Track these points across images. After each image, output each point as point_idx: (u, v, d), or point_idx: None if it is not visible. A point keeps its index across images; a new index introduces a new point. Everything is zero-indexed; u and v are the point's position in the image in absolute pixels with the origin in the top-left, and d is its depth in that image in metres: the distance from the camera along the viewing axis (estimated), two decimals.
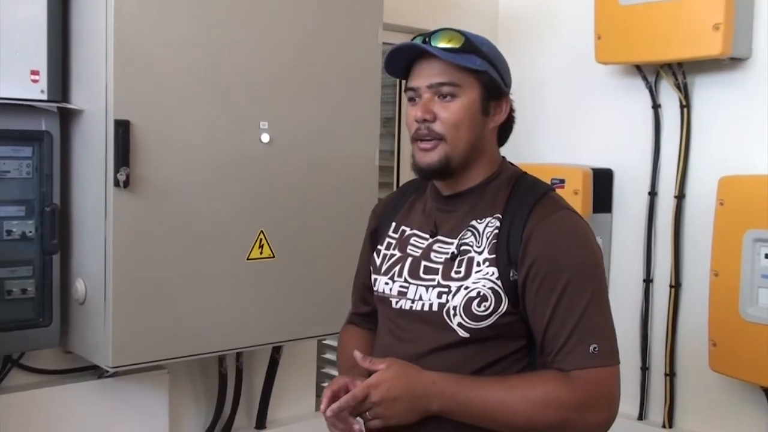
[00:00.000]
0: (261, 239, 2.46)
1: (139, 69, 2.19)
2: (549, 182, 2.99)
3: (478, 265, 1.58)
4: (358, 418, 1.58)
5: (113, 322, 2.20)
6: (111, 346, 2.21)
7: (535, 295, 1.55)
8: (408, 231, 1.74)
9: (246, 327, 2.48)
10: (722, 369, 2.76)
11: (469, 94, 1.61)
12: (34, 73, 2.22)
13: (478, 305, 1.56)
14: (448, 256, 1.63)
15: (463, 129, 1.61)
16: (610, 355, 1.54)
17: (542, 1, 3.50)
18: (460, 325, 1.58)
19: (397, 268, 1.71)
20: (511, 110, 1.70)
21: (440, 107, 1.61)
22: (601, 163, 3.25)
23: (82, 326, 2.33)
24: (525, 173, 1.71)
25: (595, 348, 1.52)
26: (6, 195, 2.24)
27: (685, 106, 2.98)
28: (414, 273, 1.67)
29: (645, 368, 3.12)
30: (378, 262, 1.76)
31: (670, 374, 3.04)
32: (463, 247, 1.62)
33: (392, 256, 1.74)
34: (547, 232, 1.56)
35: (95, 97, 2.21)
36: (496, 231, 1.59)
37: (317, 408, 1.60)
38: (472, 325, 1.57)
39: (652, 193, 3.11)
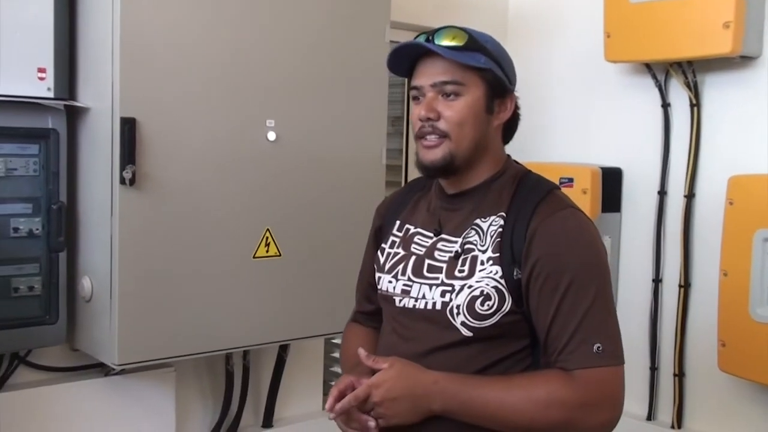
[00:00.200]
0: (267, 237, 2.46)
1: (145, 67, 2.19)
2: (557, 181, 2.99)
3: (482, 263, 1.57)
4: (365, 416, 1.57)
5: (119, 319, 2.21)
6: (117, 343, 2.21)
7: (538, 294, 1.54)
8: (412, 229, 1.74)
9: (253, 325, 2.47)
10: (731, 369, 2.75)
11: (473, 93, 1.60)
12: (41, 70, 2.22)
13: (482, 304, 1.55)
14: (452, 254, 1.62)
15: (468, 127, 1.60)
16: (614, 355, 1.52)
17: None
18: (463, 324, 1.57)
19: (400, 267, 1.70)
20: (516, 108, 1.68)
21: (444, 106, 1.60)
22: (611, 162, 3.23)
23: (89, 324, 2.34)
24: (530, 171, 1.70)
25: (599, 347, 1.50)
26: (13, 192, 2.24)
27: (695, 104, 2.96)
28: (418, 271, 1.66)
29: (654, 368, 3.11)
30: (382, 260, 1.76)
31: (679, 374, 3.02)
32: (467, 246, 1.61)
33: (396, 254, 1.73)
34: (550, 231, 1.54)
35: (102, 94, 2.21)
36: (500, 229, 1.58)
37: (324, 407, 1.61)
38: (476, 324, 1.56)
39: (662, 193, 3.10)
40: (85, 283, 2.31)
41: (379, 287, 1.76)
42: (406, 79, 1.71)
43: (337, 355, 3.45)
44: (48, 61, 2.23)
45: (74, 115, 2.34)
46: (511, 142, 1.75)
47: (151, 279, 2.25)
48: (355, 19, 2.63)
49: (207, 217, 2.34)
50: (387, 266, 1.73)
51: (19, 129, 2.23)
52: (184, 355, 2.38)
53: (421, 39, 1.62)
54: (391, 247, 1.75)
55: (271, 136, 2.43)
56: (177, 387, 2.69)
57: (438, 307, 1.60)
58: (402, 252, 1.72)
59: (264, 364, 2.94)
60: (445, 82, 1.59)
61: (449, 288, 1.60)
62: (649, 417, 3.12)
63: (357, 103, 2.65)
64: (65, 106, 2.28)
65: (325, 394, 3.14)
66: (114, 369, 2.36)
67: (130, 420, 2.59)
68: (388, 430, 1.57)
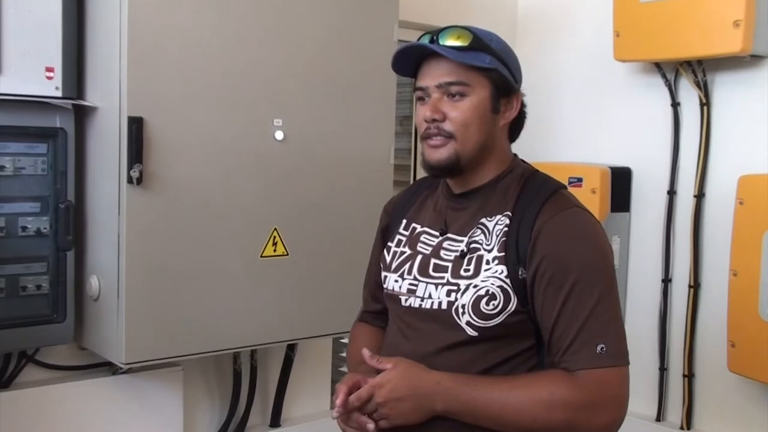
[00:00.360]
0: (275, 237, 2.46)
1: (152, 66, 2.19)
2: (566, 181, 2.99)
3: (488, 263, 1.57)
4: (366, 417, 1.57)
5: (126, 318, 2.21)
6: (124, 342, 2.22)
7: (542, 294, 1.53)
8: (418, 228, 1.73)
9: (260, 324, 2.47)
10: (741, 370, 2.73)
11: (478, 93, 1.59)
12: (49, 70, 2.23)
13: (487, 303, 1.55)
14: (458, 254, 1.62)
15: (473, 128, 1.60)
16: (618, 356, 1.51)
17: None
18: (468, 323, 1.56)
19: (407, 266, 1.70)
20: (523, 106, 1.68)
21: (449, 107, 1.59)
22: (620, 162, 3.22)
23: (96, 322, 2.34)
24: (536, 170, 1.69)
25: (602, 348, 1.49)
26: (21, 191, 2.25)
27: (705, 104, 2.95)
28: (424, 271, 1.66)
29: (663, 369, 3.09)
30: (388, 259, 1.75)
31: (689, 375, 3.01)
32: (472, 245, 1.60)
33: (402, 253, 1.73)
34: (555, 230, 1.53)
35: (109, 94, 2.22)
36: (506, 229, 1.57)
37: (332, 406, 1.60)
38: (481, 323, 1.55)
39: (671, 192, 3.08)
40: (93, 282, 2.32)
41: (384, 286, 1.75)
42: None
43: (345, 354, 3.45)
44: (56, 60, 2.23)
45: (82, 115, 2.34)
46: (520, 142, 1.74)
47: (159, 278, 2.25)
48: (363, 18, 2.62)
49: (214, 216, 2.34)
50: (393, 265, 1.73)
51: (27, 128, 2.23)
52: (192, 354, 2.38)
53: (426, 39, 1.61)
54: (398, 245, 1.75)
55: (279, 135, 2.43)
56: (184, 386, 2.70)
57: (444, 306, 1.60)
58: (408, 251, 1.72)
59: (272, 363, 2.94)
60: (450, 83, 1.58)
61: (455, 287, 1.59)
62: (658, 418, 3.10)
63: (365, 102, 2.64)
64: (73, 105, 2.28)
65: (333, 393, 3.13)
66: (121, 368, 2.37)
67: (138, 419, 2.60)
68: (392, 431, 1.56)
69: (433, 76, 1.60)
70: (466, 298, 1.57)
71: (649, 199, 3.17)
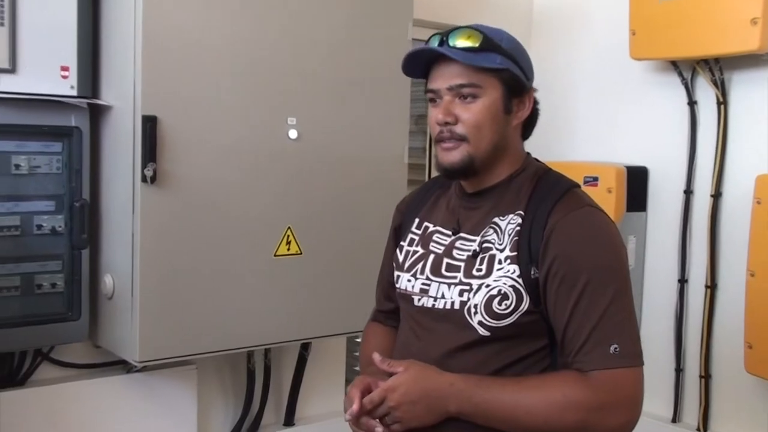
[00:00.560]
0: (288, 236, 2.46)
1: (166, 65, 2.20)
2: (582, 180, 2.97)
3: (500, 262, 1.56)
4: (377, 421, 1.56)
5: (140, 317, 2.22)
6: (138, 340, 2.22)
7: (555, 294, 1.52)
8: (431, 227, 1.73)
9: (274, 323, 2.47)
10: (759, 371, 2.70)
11: (490, 94, 1.58)
12: (64, 69, 2.23)
13: (499, 303, 1.54)
14: (470, 253, 1.61)
15: (486, 129, 1.59)
16: (631, 356, 1.50)
17: None
18: (480, 323, 1.55)
19: (419, 265, 1.69)
20: (535, 103, 1.66)
21: (461, 109, 1.58)
22: (636, 161, 3.20)
23: (110, 321, 2.35)
24: (550, 169, 1.68)
25: (616, 348, 1.48)
26: (36, 190, 2.26)
27: (722, 102, 2.92)
28: (436, 270, 1.65)
29: (679, 370, 3.07)
30: (401, 258, 1.75)
31: (705, 376, 2.98)
32: (485, 245, 1.59)
33: (415, 252, 1.72)
34: (568, 230, 1.52)
35: (124, 93, 2.23)
36: (518, 228, 1.56)
37: (345, 408, 1.61)
38: (493, 323, 1.54)
39: (688, 192, 3.06)
40: (107, 281, 2.33)
41: (397, 285, 1.75)
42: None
43: (358, 353, 3.45)
44: (71, 59, 2.24)
45: (97, 113, 2.35)
46: (535, 141, 1.73)
47: (173, 276, 2.26)
48: (378, 16, 2.62)
49: (228, 215, 2.34)
50: (406, 264, 1.72)
51: (42, 127, 2.24)
52: (206, 353, 2.38)
53: (435, 41, 1.60)
54: (410, 245, 1.74)
55: (293, 134, 2.43)
56: (198, 385, 2.70)
57: (456, 306, 1.59)
58: (421, 250, 1.71)
59: (285, 362, 2.94)
60: (462, 85, 1.57)
61: (467, 287, 1.58)
62: (674, 419, 3.08)
63: (379, 101, 2.64)
64: (88, 104, 2.29)
65: (347, 393, 3.13)
66: (136, 366, 2.38)
67: (152, 417, 2.60)
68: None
69: (444, 78, 1.59)
70: (479, 298, 1.56)
71: (665, 198, 3.14)
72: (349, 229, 2.58)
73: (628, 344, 1.50)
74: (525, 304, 1.54)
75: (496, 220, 1.61)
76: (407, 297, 1.70)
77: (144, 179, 2.17)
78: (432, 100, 1.63)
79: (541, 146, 1.75)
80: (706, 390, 2.99)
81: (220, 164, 2.31)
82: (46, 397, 2.42)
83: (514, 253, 1.55)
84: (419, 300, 1.67)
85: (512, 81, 1.60)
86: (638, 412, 1.51)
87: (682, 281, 3.07)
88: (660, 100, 3.15)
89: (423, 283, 1.66)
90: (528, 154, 1.71)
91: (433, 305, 1.63)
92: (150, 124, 2.16)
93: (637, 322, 1.54)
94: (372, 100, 2.62)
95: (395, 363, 1.58)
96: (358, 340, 3.20)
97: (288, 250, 2.47)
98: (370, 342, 1.87)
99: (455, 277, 1.61)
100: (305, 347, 2.89)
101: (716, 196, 2.96)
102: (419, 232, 1.75)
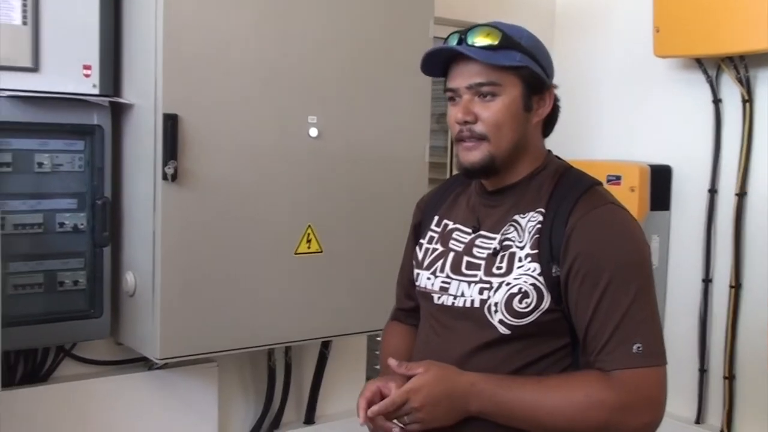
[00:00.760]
0: (309, 234, 2.46)
1: (187, 64, 2.21)
2: (605, 179, 2.95)
3: (520, 260, 1.54)
4: (395, 422, 1.55)
5: (161, 314, 2.23)
6: (159, 338, 2.23)
7: (577, 292, 1.50)
8: (451, 225, 1.71)
9: (294, 321, 2.48)
10: None
11: (510, 92, 1.57)
12: (87, 67, 2.25)
13: (520, 302, 1.52)
14: (491, 251, 1.59)
15: (506, 128, 1.57)
16: (655, 356, 1.47)
17: None
18: (501, 322, 1.54)
19: (439, 263, 1.68)
20: (556, 100, 1.64)
21: (481, 107, 1.57)
22: (660, 160, 3.18)
23: (132, 318, 2.36)
24: (571, 167, 1.66)
25: (639, 348, 1.46)
26: (59, 188, 2.28)
27: (747, 100, 2.89)
28: (456, 268, 1.64)
29: (703, 370, 3.04)
30: (420, 256, 1.74)
31: (730, 377, 2.95)
32: (505, 243, 1.58)
33: (435, 250, 1.71)
34: (590, 227, 1.50)
35: (145, 91, 2.24)
36: (539, 225, 1.55)
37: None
38: (514, 322, 1.53)
39: (712, 191, 3.03)
40: (129, 278, 2.34)
41: (417, 283, 1.74)
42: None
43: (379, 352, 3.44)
44: (93, 58, 2.26)
45: (118, 112, 2.36)
46: (558, 139, 1.71)
47: (194, 274, 2.27)
48: (399, 14, 2.61)
49: (248, 213, 2.34)
50: (425, 262, 1.71)
51: (65, 125, 2.26)
52: (227, 351, 2.39)
53: (454, 40, 1.59)
54: (429, 242, 1.73)
55: (313, 132, 2.43)
56: (219, 382, 2.71)
57: (476, 304, 1.58)
58: (440, 248, 1.70)
59: (306, 360, 2.94)
60: (481, 84, 1.56)
61: (487, 285, 1.57)
62: (698, 420, 3.05)
63: (400, 99, 2.63)
64: (110, 102, 2.31)
65: None
66: (157, 363, 2.38)
67: (173, 414, 2.61)
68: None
69: (463, 77, 1.58)
70: (499, 296, 1.54)
71: (689, 197, 3.11)
72: (369, 227, 2.58)
73: (651, 343, 1.48)
74: (546, 303, 1.52)
75: (516, 217, 1.59)
76: (427, 295, 1.69)
77: (165, 177, 2.18)
78: (451, 99, 1.62)
79: (563, 145, 1.73)
80: (730, 391, 2.96)
81: (241, 162, 2.32)
82: (69, 394, 2.44)
83: (535, 251, 1.53)
84: (439, 298, 1.66)
85: (532, 78, 1.58)
86: (661, 412, 1.49)
87: (707, 281, 3.05)
88: (684, 98, 3.12)
89: (443, 281, 1.65)
90: (549, 151, 1.69)
91: (453, 303, 1.62)
92: (171, 123, 2.17)
93: (660, 320, 1.52)
94: (393, 98, 2.61)
95: (413, 365, 1.56)
96: (379, 338, 3.21)
97: (308, 248, 2.47)
98: (390, 342, 1.86)
99: (475, 275, 1.60)
100: (326, 345, 2.89)
101: (741, 195, 2.93)
102: (439, 229, 1.74)
